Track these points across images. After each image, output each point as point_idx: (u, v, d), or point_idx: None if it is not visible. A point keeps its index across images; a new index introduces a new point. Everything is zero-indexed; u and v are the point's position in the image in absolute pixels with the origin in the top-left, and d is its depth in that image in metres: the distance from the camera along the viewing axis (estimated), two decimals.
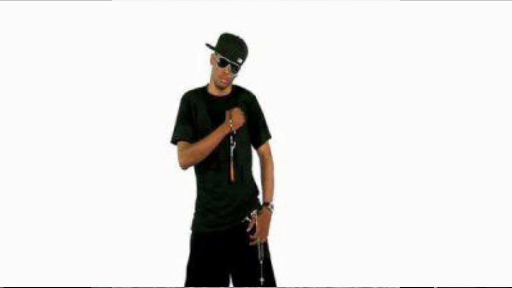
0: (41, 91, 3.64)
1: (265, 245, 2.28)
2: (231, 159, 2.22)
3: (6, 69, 3.62)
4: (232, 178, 2.21)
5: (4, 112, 3.62)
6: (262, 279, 2.21)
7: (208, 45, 2.26)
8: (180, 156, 2.21)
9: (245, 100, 2.31)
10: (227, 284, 2.27)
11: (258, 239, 2.24)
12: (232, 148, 2.22)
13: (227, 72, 2.20)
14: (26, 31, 3.61)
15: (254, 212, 2.28)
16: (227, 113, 2.20)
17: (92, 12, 3.63)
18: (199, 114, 2.26)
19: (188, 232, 2.31)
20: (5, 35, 3.60)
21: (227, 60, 2.18)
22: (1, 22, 3.58)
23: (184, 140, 2.23)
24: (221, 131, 2.18)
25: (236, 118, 2.19)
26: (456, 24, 3.69)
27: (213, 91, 2.29)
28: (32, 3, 3.57)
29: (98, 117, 3.67)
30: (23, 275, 3.42)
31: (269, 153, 2.37)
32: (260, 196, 2.34)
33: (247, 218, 2.26)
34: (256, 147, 2.36)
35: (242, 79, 2.33)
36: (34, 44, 3.62)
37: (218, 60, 2.20)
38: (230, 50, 2.18)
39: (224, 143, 2.20)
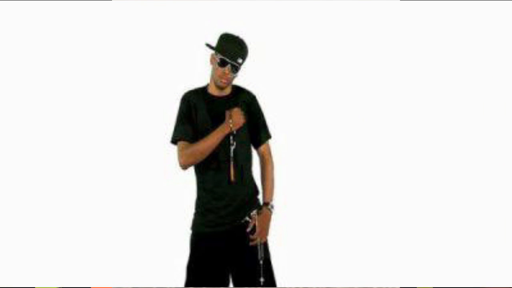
0: (41, 91, 3.64)
1: (265, 245, 2.28)
2: (231, 159, 2.22)
3: (6, 70, 3.61)
4: (232, 178, 2.21)
5: (4, 112, 3.62)
6: (262, 279, 2.21)
7: (208, 45, 2.26)
8: (180, 156, 2.21)
9: (245, 100, 2.31)
10: (227, 284, 2.27)
11: (258, 239, 2.24)
12: (232, 148, 2.22)
13: (227, 72, 2.20)
14: (26, 31, 3.61)
15: (254, 212, 2.28)
16: (227, 113, 2.20)
17: (92, 12, 3.63)
18: (199, 114, 2.26)
19: (188, 232, 2.31)
20: (5, 35, 3.60)
21: (227, 60, 2.18)
22: (1, 22, 3.58)
23: (184, 140, 2.23)
24: (221, 131, 2.18)
25: (236, 118, 2.19)
26: (456, 24, 3.69)
27: (213, 91, 2.29)
28: (32, 3, 3.57)
29: (98, 117, 3.67)
30: (23, 275, 3.42)
31: (269, 153, 2.37)
32: (260, 196, 2.34)
33: (247, 218, 2.26)
34: (256, 147, 2.36)
35: (242, 79, 2.34)
36: (34, 45, 3.62)
37: (218, 60, 2.20)
38: (230, 50, 2.18)
39: (224, 143, 2.20)
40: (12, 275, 3.42)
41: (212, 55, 2.25)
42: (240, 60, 2.20)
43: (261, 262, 2.22)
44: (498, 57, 3.69)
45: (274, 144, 2.40)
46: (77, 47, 3.66)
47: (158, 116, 3.23)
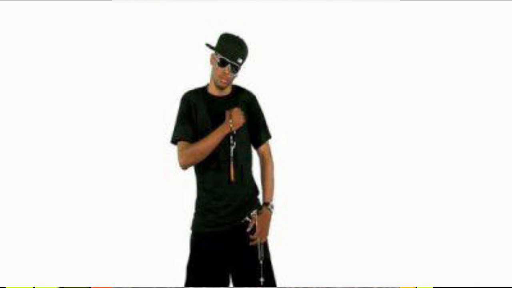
0: (41, 92, 3.64)
1: (265, 245, 2.28)
2: (231, 159, 2.22)
3: (6, 70, 3.61)
4: (232, 178, 2.21)
5: (4, 112, 3.62)
6: (262, 279, 2.21)
7: (208, 45, 2.26)
8: (180, 156, 2.21)
9: (245, 100, 2.31)
10: (227, 284, 2.27)
11: (258, 239, 2.24)
12: (232, 148, 2.22)
13: (227, 72, 2.20)
14: (26, 31, 3.60)
15: (254, 212, 2.28)
16: (227, 113, 2.20)
17: (92, 12, 3.63)
18: (199, 114, 2.26)
19: (188, 232, 2.31)
20: (5, 35, 3.60)
21: (227, 60, 2.18)
22: (1, 22, 3.58)
23: (184, 140, 2.23)
24: (221, 131, 2.18)
25: (236, 118, 2.19)
26: (456, 24, 3.69)
27: (213, 91, 2.29)
28: (32, 3, 3.57)
29: (98, 117, 3.67)
30: (23, 275, 3.42)
31: (269, 153, 2.37)
32: (260, 196, 2.35)
33: (247, 218, 2.26)
34: (256, 147, 2.36)
35: (242, 79, 2.34)
36: (34, 45, 3.62)
37: (218, 60, 2.20)
38: (230, 50, 2.18)
39: (224, 143, 2.20)
40: (12, 275, 3.42)
41: (212, 55, 2.25)
42: (240, 60, 2.20)
43: (261, 262, 2.22)
44: (498, 57, 3.69)
45: (274, 144, 2.40)
46: (77, 47, 3.66)
47: (158, 116, 3.23)
